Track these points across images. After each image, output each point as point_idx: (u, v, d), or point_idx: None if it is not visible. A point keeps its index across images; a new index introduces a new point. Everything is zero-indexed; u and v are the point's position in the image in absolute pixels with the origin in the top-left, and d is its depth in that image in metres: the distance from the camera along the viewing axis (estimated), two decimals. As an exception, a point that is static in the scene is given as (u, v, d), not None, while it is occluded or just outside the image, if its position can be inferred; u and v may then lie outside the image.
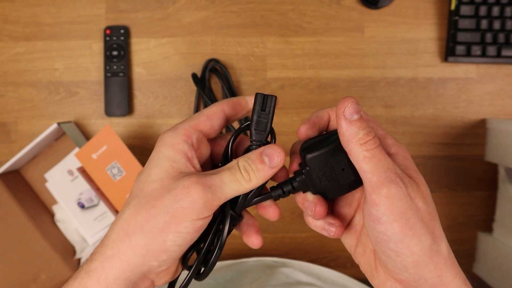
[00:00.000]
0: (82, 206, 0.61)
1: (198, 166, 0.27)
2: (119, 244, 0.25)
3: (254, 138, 0.28)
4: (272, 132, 0.28)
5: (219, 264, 0.55)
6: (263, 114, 0.28)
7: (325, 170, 0.28)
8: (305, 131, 0.29)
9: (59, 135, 0.62)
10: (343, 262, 0.65)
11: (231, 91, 0.62)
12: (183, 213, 0.24)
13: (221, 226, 0.28)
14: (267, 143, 0.28)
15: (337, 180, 0.28)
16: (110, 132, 0.55)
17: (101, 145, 0.55)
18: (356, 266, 0.70)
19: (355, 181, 0.28)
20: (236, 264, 0.56)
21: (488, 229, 0.65)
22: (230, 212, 0.28)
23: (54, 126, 0.57)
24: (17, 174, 0.63)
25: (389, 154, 0.27)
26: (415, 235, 0.24)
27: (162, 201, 0.24)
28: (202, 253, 0.28)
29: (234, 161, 0.27)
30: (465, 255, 0.66)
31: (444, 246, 0.25)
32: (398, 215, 0.24)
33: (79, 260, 0.62)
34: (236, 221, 0.29)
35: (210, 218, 0.26)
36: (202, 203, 0.24)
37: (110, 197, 0.57)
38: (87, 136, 0.63)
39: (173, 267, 0.27)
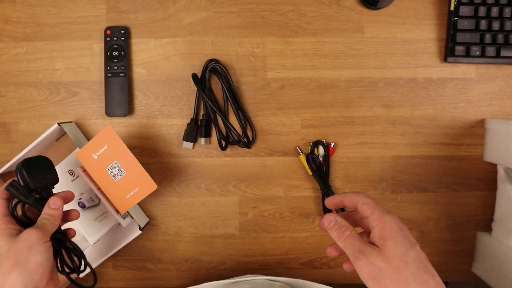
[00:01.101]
0: (83, 206, 0.61)
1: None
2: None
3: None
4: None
5: (212, 284, 0.55)
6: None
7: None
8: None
9: (60, 135, 0.63)
10: (342, 262, 0.65)
11: (231, 91, 0.62)
12: (34, 242, 0.42)
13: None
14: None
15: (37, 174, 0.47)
16: (111, 132, 0.55)
17: (102, 145, 0.56)
18: (356, 266, 0.70)
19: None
20: (230, 285, 0.56)
21: (487, 228, 0.65)
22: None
23: (55, 126, 0.57)
24: (18, 174, 0.63)
25: (371, 227, 0.39)
26: (382, 286, 0.36)
27: (15, 246, 0.42)
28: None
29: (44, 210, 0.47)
30: (465, 255, 0.66)
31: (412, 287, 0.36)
32: (368, 277, 0.37)
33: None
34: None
35: (50, 243, 0.44)
36: (39, 234, 0.43)
37: (111, 197, 0.57)
38: (88, 137, 0.63)
39: (52, 281, 0.45)
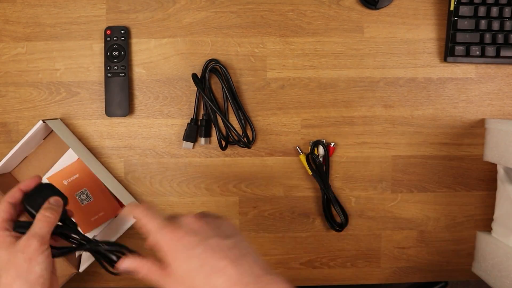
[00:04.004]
0: None
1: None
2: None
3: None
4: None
5: None
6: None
7: None
8: None
9: (47, 133, 0.62)
10: (343, 262, 0.65)
11: (231, 91, 0.62)
12: (33, 254, 0.41)
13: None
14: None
15: None
16: (82, 164, 0.60)
17: (73, 174, 0.61)
18: (356, 266, 0.71)
19: None
20: None
21: (487, 228, 0.65)
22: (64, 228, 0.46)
23: (39, 123, 0.56)
24: (9, 176, 0.62)
25: None
26: None
27: (15, 257, 0.41)
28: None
29: (38, 214, 0.44)
30: (465, 255, 0.66)
31: None
32: None
33: (80, 256, 0.62)
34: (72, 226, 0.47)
35: (49, 247, 0.42)
36: (38, 243, 0.41)
37: (76, 219, 0.61)
38: (88, 136, 0.63)
39: (52, 284, 0.42)
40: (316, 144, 0.63)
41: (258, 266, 0.36)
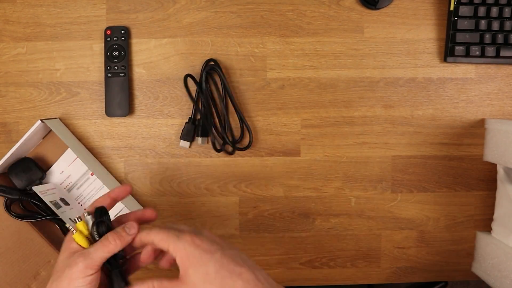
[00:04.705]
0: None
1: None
2: None
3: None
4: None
5: None
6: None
7: None
8: None
9: (46, 133, 0.62)
10: (343, 262, 0.65)
11: (228, 91, 0.62)
12: (75, 275, 0.38)
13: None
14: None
15: None
16: None
17: None
18: (356, 266, 0.71)
19: None
20: None
21: (487, 228, 0.65)
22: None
23: (38, 123, 0.56)
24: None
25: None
26: None
27: (63, 271, 0.38)
28: None
29: (105, 235, 0.40)
30: (464, 255, 0.66)
31: None
32: None
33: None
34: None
35: (98, 273, 0.38)
36: (83, 266, 0.38)
37: None
38: (88, 136, 0.63)
39: None
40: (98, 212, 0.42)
41: (270, 278, 0.38)
